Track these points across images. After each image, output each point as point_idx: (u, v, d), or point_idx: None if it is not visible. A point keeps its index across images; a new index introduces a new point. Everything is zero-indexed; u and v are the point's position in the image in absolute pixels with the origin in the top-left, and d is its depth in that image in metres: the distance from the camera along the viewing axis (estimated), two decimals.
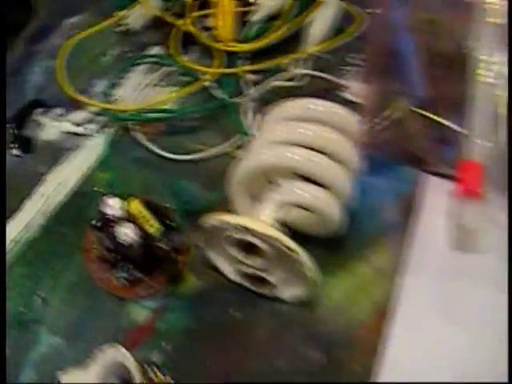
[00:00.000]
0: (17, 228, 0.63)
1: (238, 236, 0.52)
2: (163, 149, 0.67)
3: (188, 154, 0.66)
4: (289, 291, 0.55)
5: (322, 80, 0.71)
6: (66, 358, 0.55)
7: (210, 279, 0.58)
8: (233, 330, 0.55)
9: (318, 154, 0.53)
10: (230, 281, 0.57)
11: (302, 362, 0.53)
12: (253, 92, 0.69)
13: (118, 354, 0.50)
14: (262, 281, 0.55)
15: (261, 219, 0.53)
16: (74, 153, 0.68)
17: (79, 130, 0.69)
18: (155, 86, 0.73)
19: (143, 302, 0.58)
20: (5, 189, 0.63)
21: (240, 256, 0.55)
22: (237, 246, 0.54)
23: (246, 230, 0.51)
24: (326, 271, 0.54)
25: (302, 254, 0.51)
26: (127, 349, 0.53)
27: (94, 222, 0.58)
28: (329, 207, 0.54)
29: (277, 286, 0.55)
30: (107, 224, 0.56)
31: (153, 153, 0.67)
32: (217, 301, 0.57)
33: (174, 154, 0.66)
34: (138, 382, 0.49)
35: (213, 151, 0.66)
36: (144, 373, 0.52)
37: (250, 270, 0.55)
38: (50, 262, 0.61)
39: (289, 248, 0.50)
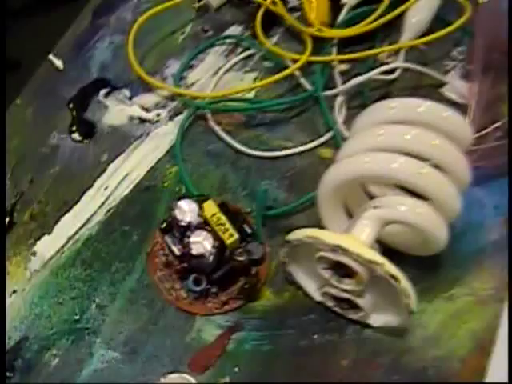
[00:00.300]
0: (74, 224, 0.57)
1: (331, 256, 0.45)
2: (242, 143, 0.60)
3: (270, 150, 0.59)
4: (379, 317, 0.49)
5: (421, 75, 0.63)
6: (122, 376, 0.49)
7: (291, 298, 0.52)
8: (313, 357, 0.49)
9: (427, 166, 0.46)
10: (313, 301, 0.51)
11: None
12: (345, 84, 0.60)
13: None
14: (350, 304, 0.49)
15: (361, 240, 0.45)
16: (142, 141, 0.60)
17: (148, 115, 0.62)
18: (234, 70, 0.65)
19: (215, 319, 0.51)
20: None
21: (332, 279, 0.46)
22: (328, 266, 0.46)
23: (344, 251, 0.43)
24: (421, 296, 0.46)
25: (404, 282, 0.44)
26: (194, 372, 0.48)
27: (163, 225, 0.50)
28: (437, 227, 0.47)
29: (366, 311, 0.48)
30: (179, 230, 0.48)
31: (230, 147, 0.60)
32: (297, 323, 0.50)
33: (254, 149, 0.59)
34: None
35: (298, 149, 0.58)
36: None
37: (337, 292, 0.48)
38: (109, 264, 0.54)
39: (392, 276, 0.44)
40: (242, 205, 0.56)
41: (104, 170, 0.60)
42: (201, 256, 0.47)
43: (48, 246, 0.56)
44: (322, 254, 0.45)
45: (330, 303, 0.50)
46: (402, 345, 0.49)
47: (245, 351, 0.49)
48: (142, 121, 0.63)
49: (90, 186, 0.59)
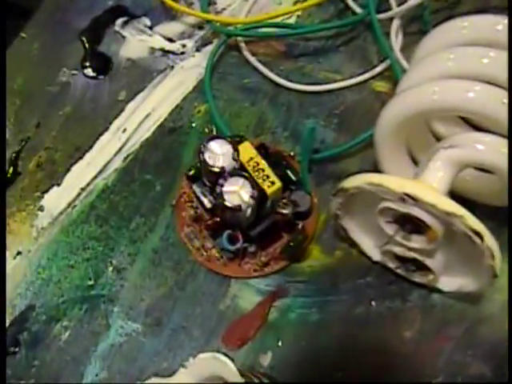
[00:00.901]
0: (87, 173, 0.49)
1: (397, 207, 0.35)
2: (282, 75, 0.51)
3: (315, 83, 0.51)
4: (452, 281, 0.42)
5: None
6: (144, 351, 0.43)
7: (345, 257, 0.45)
8: (371, 328, 0.42)
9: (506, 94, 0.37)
10: (372, 261, 0.44)
11: (459, 375, 0.41)
12: (401, 6, 0.50)
13: (217, 365, 0.34)
14: (416, 265, 0.41)
15: (434, 187, 0.36)
16: (166, 76, 0.52)
17: (172, 46, 0.53)
18: None
19: (254, 283, 0.44)
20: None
21: (398, 235, 0.37)
22: (392, 220, 0.37)
23: (415, 201, 0.34)
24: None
25: (489, 239, 0.35)
26: (229, 346, 0.42)
27: (190, 171, 0.42)
28: None
29: (437, 273, 0.40)
30: (209, 177, 0.39)
31: (268, 80, 0.52)
32: (352, 287, 0.44)
33: (296, 82, 0.51)
34: None
35: (348, 81, 0.50)
36: None
37: (402, 251, 0.40)
38: (128, 220, 0.47)
39: (474, 231, 0.35)
40: (283, 147, 0.47)
41: (122, 110, 0.51)
42: (237, 208, 0.38)
43: (57, 200, 0.48)
44: (386, 204, 0.36)
45: (391, 264, 0.42)
46: (477, 313, 0.42)
47: (289, 321, 0.43)
48: (165, 52, 0.54)
49: (106, 129, 0.50)
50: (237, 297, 0.44)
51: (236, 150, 0.40)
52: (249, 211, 0.39)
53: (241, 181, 0.39)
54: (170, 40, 0.54)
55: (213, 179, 0.40)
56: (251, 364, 0.41)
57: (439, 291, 0.42)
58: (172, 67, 0.53)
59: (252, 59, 0.52)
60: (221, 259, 0.44)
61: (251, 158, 0.42)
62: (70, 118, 0.51)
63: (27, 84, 0.53)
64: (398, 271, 0.42)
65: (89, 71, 0.53)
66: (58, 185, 0.48)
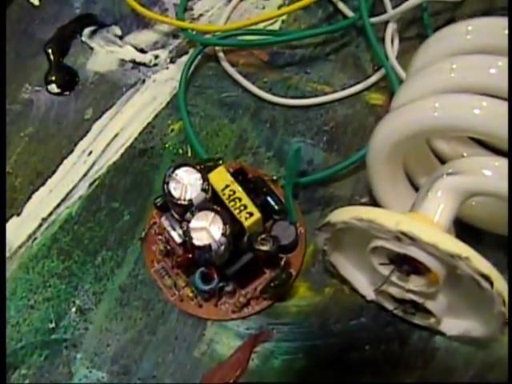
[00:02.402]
0: (50, 200, 0.44)
1: (392, 247, 0.31)
2: (266, 88, 0.46)
3: (303, 96, 0.46)
4: (456, 324, 0.37)
5: None
6: None
7: (336, 295, 0.40)
8: (365, 376, 0.38)
9: None
10: (366, 300, 0.39)
11: None
12: (397, 8, 0.45)
13: None
14: (415, 307, 0.36)
15: (435, 222, 0.31)
16: (137, 91, 0.47)
17: (144, 58, 0.48)
18: None
19: (232, 326, 0.39)
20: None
21: (394, 276, 0.32)
22: (387, 260, 0.32)
23: (413, 240, 0.29)
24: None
25: (500, 284, 0.31)
26: None
27: (159, 201, 0.37)
28: None
29: (439, 316, 0.36)
30: (177, 209, 0.34)
31: (251, 94, 0.47)
32: (343, 329, 0.39)
33: (281, 96, 0.46)
34: None
35: (340, 94, 0.45)
36: None
37: (400, 293, 0.35)
38: (94, 254, 0.42)
39: (483, 275, 0.30)
40: (266, 170, 0.42)
41: (88, 131, 0.46)
42: (206, 248, 0.33)
43: (17, 231, 0.43)
44: (379, 243, 0.31)
45: (388, 305, 0.37)
46: (485, 357, 0.37)
47: (273, 369, 0.38)
48: (137, 65, 0.49)
49: (70, 152, 0.46)
50: (213, 341, 0.39)
51: (206, 179, 0.35)
52: (221, 250, 0.34)
53: (211, 215, 0.34)
54: (142, 51, 0.49)
55: (181, 212, 0.35)
56: None
57: (441, 333, 0.37)
58: (143, 81, 0.48)
59: (231, 70, 0.47)
60: (195, 299, 0.39)
61: (227, 186, 0.37)
62: (33, 140, 0.46)
63: None
64: (395, 312, 0.37)
65: (53, 87, 0.48)
66: (18, 215, 0.44)
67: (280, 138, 0.45)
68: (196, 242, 0.33)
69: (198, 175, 0.35)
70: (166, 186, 0.34)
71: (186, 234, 0.33)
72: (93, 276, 0.41)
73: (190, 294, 0.39)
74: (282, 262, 0.38)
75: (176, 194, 0.34)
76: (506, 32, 0.35)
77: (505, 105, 0.32)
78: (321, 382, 0.38)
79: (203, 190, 0.34)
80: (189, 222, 0.34)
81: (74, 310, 0.40)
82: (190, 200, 0.34)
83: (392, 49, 0.46)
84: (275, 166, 0.44)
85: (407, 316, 0.37)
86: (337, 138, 0.44)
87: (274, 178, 0.42)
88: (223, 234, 0.33)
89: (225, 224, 0.34)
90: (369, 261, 0.35)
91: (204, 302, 0.39)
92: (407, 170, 0.39)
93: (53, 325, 0.40)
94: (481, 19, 0.37)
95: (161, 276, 0.40)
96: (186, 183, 0.35)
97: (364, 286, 0.38)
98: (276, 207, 0.39)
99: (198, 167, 0.35)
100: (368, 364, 0.38)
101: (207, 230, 0.34)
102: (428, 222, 0.31)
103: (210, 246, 0.33)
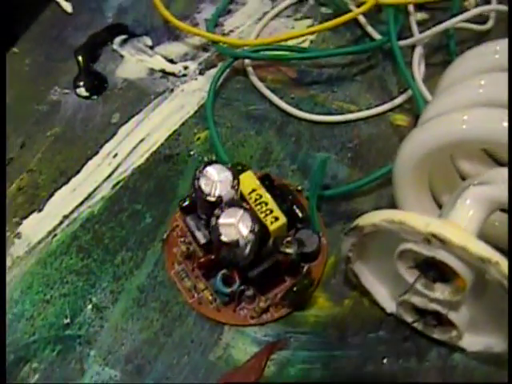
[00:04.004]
0: (72, 199, 0.44)
1: (421, 250, 0.30)
2: (292, 104, 0.47)
3: (328, 113, 0.46)
4: (477, 340, 0.36)
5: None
6: None
7: (355, 307, 0.40)
8: None
9: None
10: (385, 313, 0.38)
11: None
12: (424, 32, 0.46)
13: None
14: (437, 319, 0.36)
15: (463, 227, 0.31)
16: (164, 99, 0.47)
17: (174, 68, 0.49)
18: (283, 17, 0.51)
19: (250, 332, 0.39)
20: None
21: (419, 283, 0.32)
22: (413, 265, 0.32)
23: (443, 243, 0.29)
24: None
25: None
26: None
27: (185, 202, 0.37)
28: None
29: (461, 329, 0.35)
30: (205, 208, 0.35)
31: (277, 108, 0.47)
32: (362, 341, 0.38)
33: (307, 111, 0.46)
34: None
35: (365, 113, 0.45)
36: None
37: (423, 302, 0.35)
38: (113, 254, 0.42)
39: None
40: (289, 182, 0.42)
41: (114, 134, 0.47)
42: (234, 244, 0.33)
43: (37, 227, 0.43)
44: (408, 246, 0.31)
45: (408, 317, 0.37)
46: (504, 376, 0.36)
47: (289, 377, 0.37)
48: (166, 74, 0.50)
49: (95, 153, 0.46)
50: (230, 346, 0.38)
51: (236, 177, 0.35)
52: (248, 248, 0.34)
53: (240, 212, 0.34)
54: (172, 61, 0.50)
55: (208, 210, 0.35)
56: None
57: (461, 350, 0.37)
58: (172, 90, 0.49)
59: (259, 85, 0.47)
60: (214, 303, 0.39)
61: (253, 190, 0.37)
62: (58, 140, 0.47)
63: (15, 101, 0.49)
64: (415, 326, 0.37)
65: (81, 91, 0.49)
66: (39, 211, 0.44)
67: (305, 153, 0.45)
68: (224, 237, 0.33)
69: (229, 173, 0.35)
70: (196, 182, 0.34)
71: (214, 229, 0.33)
72: (111, 275, 0.41)
73: (209, 298, 0.39)
74: (305, 269, 0.38)
75: (206, 189, 0.34)
76: None
77: None
78: None
79: (233, 187, 0.34)
80: (218, 217, 0.34)
81: (90, 307, 0.40)
82: (220, 197, 0.34)
83: (418, 71, 0.46)
84: (299, 178, 0.44)
85: (427, 329, 0.37)
86: (361, 156, 0.45)
87: (299, 188, 0.42)
88: (251, 231, 0.33)
89: (253, 222, 0.34)
90: (392, 272, 0.35)
91: (222, 307, 0.39)
92: (431, 187, 0.39)
93: (68, 320, 0.39)
94: (506, 40, 0.37)
95: (180, 278, 0.40)
96: (216, 180, 0.35)
97: (384, 298, 0.38)
98: (300, 215, 0.39)
99: (229, 166, 0.35)
100: (385, 378, 0.37)
101: (236, 226, 0.34)
102: (458, 227, 0.31)
103: (237, 242, 0.33)
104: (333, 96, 0.48)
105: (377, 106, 0.47)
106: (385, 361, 0.38)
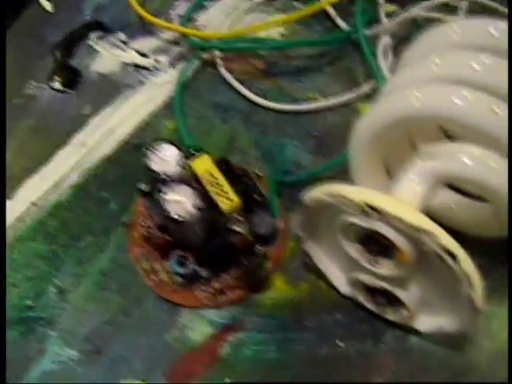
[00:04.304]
0: (41, 187, 0.44)
1: (360, 223, 0.31)
2: (260, 94, 0.47)
3: (294, 102, 0.46)
4: (429, 320, 0.36)
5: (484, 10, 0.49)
6: (79, 382, 0.38)
7: (312, 291, 0.40)
8: (337, 371, 0.37)
9: (501, 104, 0.32)
10: (340, 295, 0.38)
11: None
12: (390, 22, 0.47)
13: None
14: (388, 298, 0.36)
15: (402, 198, 0.31)
16: (135, 91, 0.48)
17: (146, 61, 0.50)
18: (257, 11, 0.52)
19: (207, 314, 0.39)
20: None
21: (363, 258, 0.33)
22: (357, 240, 0.32)
23: (379, 214, 0.29)
24: (490, 295, 0.33)
25: (466, 262, 0.30)
26: (172, 382, 0.36)
27: (142, 185, 0.37)
28: None
29: (411, 308, 0.35)
30: (156, 187, 0.35)
31: (245, 98, 0.48)
32: (318, 324, 0.38)
33: (274, 101, 0.47)
34: None
35: (330, 101, 0.45)
36: None
37: (371, 280, 0.35)
38: (78, 239, 0.42)
39: (448, 251, 0.30)
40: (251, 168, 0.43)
41: (84, 125, 0.47)
42: (180, 221, 0.33)
43: (7, 214, 0.44)
44: (347, 218, 0.32)
45: (360, 297, 0.36)
46: (461, 361, 0.36)
47: (243, 359, 0.38)
48: (138, 68, 0.50)
49: (66, 143, 0.46)
50: (187, 328, 0.39)
51: (185, 156, 0.35)
52: (196, 225, 0.34)
53: (187, 190, 0.34)
54: (144, 55, 0.51)
55: (159, 188, 0.36)
56: None
57: (418, 334, 0.37)
58: (143, 83, 0.49)
59: (228, 76, 0.48)
60: (172, 285, 0.39)
61: (208, 172, 0.38)
62: (31, 131, 0.48)
63: None
64: (369, 306, 0.37)
65: (56, 84, 0.50)
66: (10, 198, 0.44)
67: (270, 141, 0.45)
68: (170, 214, 0.34)
69: (178, 151, 0.35)
70: (145, 161, 0.35)
71: (161, 206, 0.34)
72: (75, 259, 0.42)
73: (167, 280, 0.39)
74: (259, 249, 0.38)
75: (155, 167, 0.35)
76: (491, 31, 0.36)
77: (486, 96, 0.32)
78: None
79: (181, 165, 0.35)
80: (165, 194, 0.34)
81: (53, 290, 0.41)
82: (168, 174, 0.35)
83: (385, 61, 0.47)
84: (262, 166, 0.44)
85: (380, 310, 0.37)
86: (325, 144, 0.45)
87: (260, 173, 0.42)
88: (198, 208, 0.34)
89: (200, 199, 0.34)
90: (344, 252, 0.35)
91: (180, 289, 0.39)
92: (390, 167, 0.39)
93: (31, 303, 0.40)
94: (468, 21, 0.38)
95: (140, 261, 0.40)
96: (165, 158, 0.35)
97: (339, 279, 0.38)
98: (259, 199, 0.40)
99: (179, 145, 0.36)
100: (340, 360, 0.37)
101: (182, 203, 0.34)
102: (396, 199, 0.32)
103: (183, 218, 0.34)
104: (300, 86, 0.48)
105: (343, 95, 0.47)
106: (340, 343, 0.38)
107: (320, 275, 0.39)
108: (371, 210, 0.30)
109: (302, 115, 0.46)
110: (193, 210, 0.34)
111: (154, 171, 0.34)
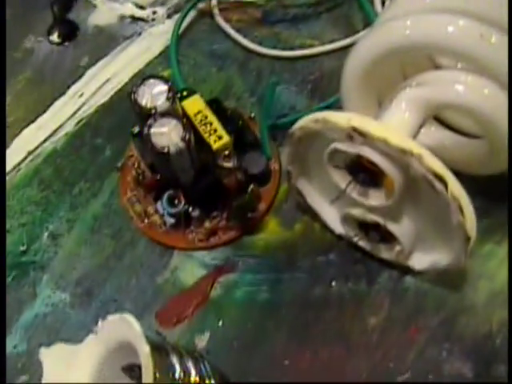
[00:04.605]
0: (37, 136, 0.44)
1: (345, 149, 0.30)
2: (256, 42, 0.47)
3: (290, 49, 0.46)
4: (424, 257, 0.35)
5: None
6: (68, 324, 0.38)
7: (306, 232, 0.39)
8: (330, 312, 0.37)
9: (496, 32, 0.31)
10: (333, 236, 0.38)
11: (431, 373, 0.34)
12: None
13: (124, 328, 0.28)
14: (381, 234, 0.35)
15: (391, 125, 0.30)
16: (132, 42, 0.47)
17: (143, 13, 0.49)
18: None
19: (198, 255, 0.39)
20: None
21: (351, 189, 0.32)
22: (345, 169, 0.32)
23: (362, 137, 0.29)
24: (487, 234, 0.35)
25: (455, 186, 0.29)
26: (162, 325, 0.37)
27: (136, 128, 0.37)
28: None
29: (404, 244, 0.34)
30: (143, 122, 0.35)
31: (241, 46, 0.47)
32: (310, 264, 0.38)
33: (269, 47, 0.46)
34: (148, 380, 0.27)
35: (326, 47, 0.44)
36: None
37: (362, 213, 0.34)
38: (72, 185, 0.43)
39: (436, 175, 0.29)
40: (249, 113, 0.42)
41: (81, 76, 0.47)
42: (164, 151, 0.33)
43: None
44: (334, 145, 0.31)
45: (352, 233, 0.36)
46: (457, 302, 0.36)
47: (234, 299, 0.38)
48: (135, 19, 0.50)
49: (62, 94, 0.46)
50: (178, 269, 0.39)
51: (172, 90, 0.35)
52: (182, 158, 0.34)
53: (172, 122, 0.34)
54: (141, 7, 0.50)
55: (148, 125, 0.35)
56: (185, 345, 0.35)
57: (413, 273, 0.36)
58: (139, 34, 0.49)
59: (224, 25, 0.48)
60: (163, 227, 0.39)
61: (199, 112, 0.37)
62: (29, 83, 0.48)
63: None
64: (363, 245, 0.37)
65: (54, 38, 0.50)
66: (7, 147, 0.45)
67: (264, 86, 0.45)
68: (155, 145, 0.33)
69: (165, 86, 0.35)
70: (132, 95, 0.35)
71: (147, 138, 0.34)
72: (68, 204, 0.42)
73: (159, 222, 0.39)
74: (250, 187, 0.37)
75: (142, 101, 0.34)
76: None
77: (479, 26, 0.31)
78: None
79: (168, 98, 0.34)
80: (150, 127, 0.34)
81: (46, 235, 0.41)
82: (154, 107, 0.34)
83: (381, 6, 0.46)
84: (257, 110, 0.43)
85: (374, 248, 0.36)
86: (320, 88, 0.44)
87: (252, 115, 0.42)
88: (182, 139, 0.33)
89: (185, 130, 0.34)
90: (334, 186, 0.34)
91: (172, 230, 0.39)
92: (383, 101, 0.38)
93: (24, 248, 0.40)
94: None
95: (132, 204, 0.40)
96: (152, 92, 0.35)
97: (332, 218, 0.37)
98: (250, 140, 0.39)
99: (166, 80, 0.35)
100: (333, 300, 0.37)
101: (167, 134, 0.34)
102: (384, 125, 0.31)
103: (168, 149, 0.33)
104: (297, 33, 0.47)
105: (339, 40, 0.46)
106: (333, 283, 0.37)
107: (314, 217, 0.39)
108: (357, 135, 0.30)
109: (299, 61, 0.46)
110: (180, 142, 0.33)
111: (142, 106, 0.34)
